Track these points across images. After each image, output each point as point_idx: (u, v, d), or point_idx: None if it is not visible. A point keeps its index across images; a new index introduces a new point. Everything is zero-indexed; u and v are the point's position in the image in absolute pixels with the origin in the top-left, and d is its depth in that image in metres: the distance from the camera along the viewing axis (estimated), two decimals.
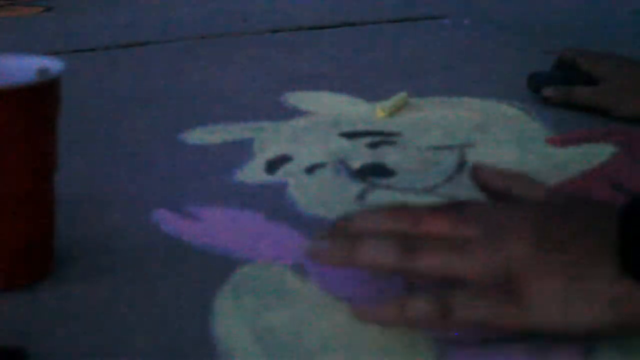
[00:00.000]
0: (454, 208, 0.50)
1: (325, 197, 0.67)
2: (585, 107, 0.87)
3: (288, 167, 0.74)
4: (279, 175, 0.72)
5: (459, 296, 0.46)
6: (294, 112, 0.90)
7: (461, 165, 0.74)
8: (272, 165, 0.74)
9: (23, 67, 0.53)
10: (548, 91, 0.90)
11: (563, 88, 0.89)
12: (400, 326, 0.48)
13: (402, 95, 0.91)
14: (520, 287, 0.45)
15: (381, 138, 0.81)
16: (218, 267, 0.56)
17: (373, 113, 0.88)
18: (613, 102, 0.86)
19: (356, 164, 0.74)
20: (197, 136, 0.83)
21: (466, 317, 0.45)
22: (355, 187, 0.69)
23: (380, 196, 0.68)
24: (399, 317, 0.46)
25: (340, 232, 0.51)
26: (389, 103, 0.89)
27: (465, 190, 0.67)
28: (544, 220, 0.48)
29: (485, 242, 0.47)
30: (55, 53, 1.12)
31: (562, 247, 0.46)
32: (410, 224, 0.49)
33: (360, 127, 0.84)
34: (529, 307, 0.45)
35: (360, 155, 0.76)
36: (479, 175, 0.57)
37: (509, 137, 0.81)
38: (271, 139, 0.81)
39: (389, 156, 0.76)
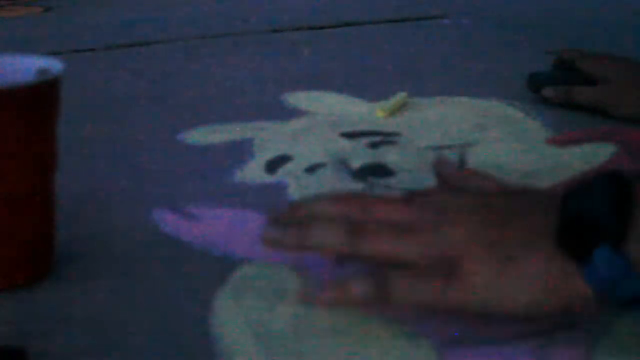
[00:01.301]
0: (404, 196, 0.53)
1: None
2: (585, 107, 0.87)
3: (288, 167, 0.74)
4: (279, 175, 0.72)
5: (399, 278, 0.47)
6: (294, 112, 0.90)
7: (461, 165, 0.74)
8: (272, 165, 0.74)
9: (23, 67, 0.53)
10: (548, 91, 0.90)
11: (563, 88, 0.89)
12: (342, 307, 0.49)
13: (402, 95, 0.91)
14: (459, 268, 0.46)
15: (381, 138, 0.81)
16: (218, 267, 0.56)
17: (373, 113, 0.88)
18: (613, 103, 0.86)
19: (356, 164, 0.74)
20: (197, 136, 0.83)
21: (405, 298, 0.47)
22: (355, 187, 0.69)
23: None
24: (340, 299, 0.48)
25: (290, 218, 0.52)
26: (389, 103, 0.89)
27: None
28: (486, 205, 0.49)
29: (429, 225, 0.48)
30: (55, 53, 1.12)
31: (500, 230, 0.47)
32: (360, 209, 0.51)
33: (360, 127, 0.84)
34: (467, 288, 0.46)
35: (360, 155, 0.76)
36: (439, 170, 0.60)
37: (509, 137, 0.81)
38: (271, 139, 0.81)
39: (389, 156, 0.76)
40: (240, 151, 0.78)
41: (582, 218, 0.46)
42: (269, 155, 0.77)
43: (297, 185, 0.70)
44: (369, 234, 0.49)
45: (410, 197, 0.52)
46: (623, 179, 0.46)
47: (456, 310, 0.47)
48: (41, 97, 0.51)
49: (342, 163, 0.74)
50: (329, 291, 0.49)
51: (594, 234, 0.45)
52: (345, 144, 0.79)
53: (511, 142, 0.79)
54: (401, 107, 0.90)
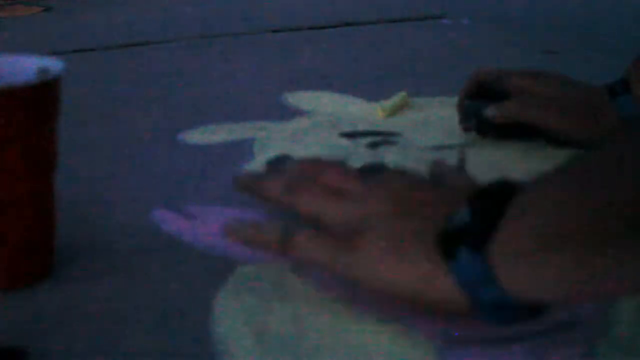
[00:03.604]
0: (363, 169, 0.57)
1: None
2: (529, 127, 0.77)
3: None
4: None
5: (305, 234, 0.50)
6: (294, 112, 0.90)
7: (461, 165, 0.74)
8: (272, 166, 0.74)
9: (23, 67, 0.53)
10: (491, 109, 0.77)
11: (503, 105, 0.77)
12: (251, 246, 0.54)
13: (402, 95, 0.91)
14: (358, 241, 0.48)
15: (381, 138, 0.81)
16: (218, 267, 0.56)
17: (373, 113, 0.88)
18: (557, 119, 0.76)
19: (356, 164, 0.74)
20: (197, 136, 0.83)
21: (303, 253, 0.50)
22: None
23: None
24: (252, 237, 0.53)
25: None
26: (389, 103, 0.89)
27: None
28: (406, 190, 0.51)
29: (356, 197, 0.51)
30: (55, 53, 1.12)
31: (403, 216, 0.49)
32: (314, 172, 0.56)
33: (360, 127, 0.84)
34: (357, 258, 0.48)
35: (360, 155, 0.76)
36: (434, 171, 0.60)
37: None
38: (271, 139, 0.81)
39: (389, 156, 0.76)
40: (240, 151, 0.78)
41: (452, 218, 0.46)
42: (269, 155, 0.77)
43: None
44: (305, 192, 0.53)
45: (367, 172, 0.54)
46: (507, 185, 0.46)
47: (344, 277, 0.49)
48: (41, 97, 0.51)
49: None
50: (246, 229, 0.53)
51: (456, 234, 0.45)
52: (345, 144, 0.79)
53: (511, 142, 0.79)
54: (401, 107, 0.90)
